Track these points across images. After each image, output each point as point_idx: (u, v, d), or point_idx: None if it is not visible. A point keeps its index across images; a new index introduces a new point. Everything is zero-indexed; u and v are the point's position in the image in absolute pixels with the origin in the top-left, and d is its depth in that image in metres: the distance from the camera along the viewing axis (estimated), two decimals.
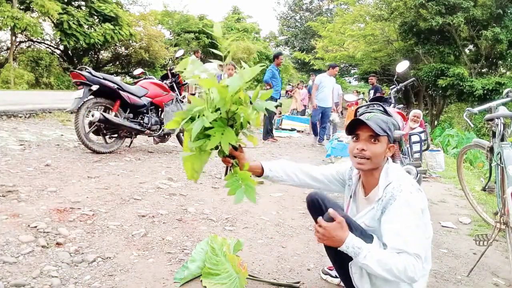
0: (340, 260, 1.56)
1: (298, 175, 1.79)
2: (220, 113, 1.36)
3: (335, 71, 7.71)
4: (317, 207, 1.80)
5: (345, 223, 1.41)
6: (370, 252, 1.35)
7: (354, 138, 1.59)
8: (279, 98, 7.88)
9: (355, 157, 1.57)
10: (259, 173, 1.73)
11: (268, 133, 7.66)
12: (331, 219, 1.41)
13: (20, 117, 5.69)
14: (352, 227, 1.48)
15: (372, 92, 8.96)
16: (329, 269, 2.01)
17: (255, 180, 1.60)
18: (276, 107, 8.64)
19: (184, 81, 5.92)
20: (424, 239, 1.40)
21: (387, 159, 1.60)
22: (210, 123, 1.35)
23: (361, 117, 1.58)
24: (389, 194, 1.48)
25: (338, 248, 1.40)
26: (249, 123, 1.45)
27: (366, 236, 1.52)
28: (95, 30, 17.13)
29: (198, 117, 1.37)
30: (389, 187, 1.50)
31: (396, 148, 3.45)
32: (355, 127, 1.58)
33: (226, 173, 1.60)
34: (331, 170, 1.83)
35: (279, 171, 1.76)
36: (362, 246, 1.37)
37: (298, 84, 16.58)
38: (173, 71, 5.29)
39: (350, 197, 1.73)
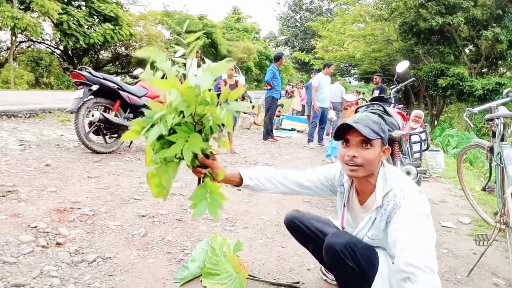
0: (339, 270, 1.53)
1: (282, 182, 1.63)
2: (184, 117, 1.17)
3: (331, 70, 7.65)
4: (297, 230, 1.77)
5: None
6: None
7: (344, 144, 1.45)
8: (279, 98, 7.88)
9: (347, 164, 1.43)
10: (238, 182, 1.55)
11: (268, 133, 7.67)
12: None
13: (20, 117, 5.69)
14: (354, 248, 1.43)
15: (377, 92, 8.78)
16: (327, 272, 2.01)
17: (233, 189, 1.49)
18: (277, 106, 8.64)
19: None
20: (431, 242, 1.30)
21: (382, 162, 1.47)
22: (174, 128, 1.17)
23: (349, 120, 1.44)
24: (392, 203, 1.38)
25: None
26: (219, 126, 1.26)
27: (370, 251, 1.47)
28: (95, 30, 17.13)
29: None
30: (390, 195, 1.40)
31: (396, 148, 3.47)
32: (344, 131, 1.43)
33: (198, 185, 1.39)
34: (318, 174, 1.68)
35: (260, 179, 1.59)
36: None
37: (297, 84, 16.58)
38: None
39: (344, 206, 1.62)
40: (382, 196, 1.42)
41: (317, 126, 7.79)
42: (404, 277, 1.25)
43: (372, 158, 1.40)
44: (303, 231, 1.74)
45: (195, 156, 1.27)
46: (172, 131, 1.18)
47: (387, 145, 1.45)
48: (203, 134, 1.24)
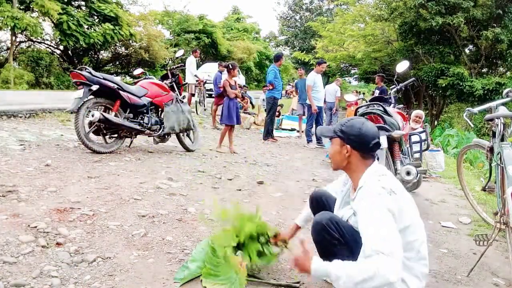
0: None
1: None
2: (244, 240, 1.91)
3: (321, 68, 7.52)
4: (320, 205, 1.95)
5: (309, 252, 1.45)
6: (337, 273, 1.35)
7: None
8: (280, 98, 7.88)
9: None
10: (298, 229, 2.10)
11: (268, 133, 7.66)
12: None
13: (20, 117, 5.69)
14: (339, 222, 1.62)
15: (377, 92, 8.73)
16: None
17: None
18: (278, 106, 8.65)
19: (184, 81, 5.91)
20: (390, 235, 1.37)
21: (373, 162, 1.65)
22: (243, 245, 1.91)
23: None
24: (359, 197, 1.55)
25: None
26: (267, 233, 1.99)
27: (354, 229, 1.60)
28: (95, 30, 17.10)
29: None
30: (359, 191, 1.58)
31: (396, 148, 3.46)
32: None
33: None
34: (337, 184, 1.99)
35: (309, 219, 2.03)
36: (328, 271, 1.38)
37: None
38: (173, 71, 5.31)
39: (342, 199, 1.82)
40: (356, 191, 1.62)
41: (314, 125, 7.71)
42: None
43: (332, 153, 1.72)
44: (323, 207, 1.91)
45: (268, 241, 2.02)
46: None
47: (348, 143, 1.63)
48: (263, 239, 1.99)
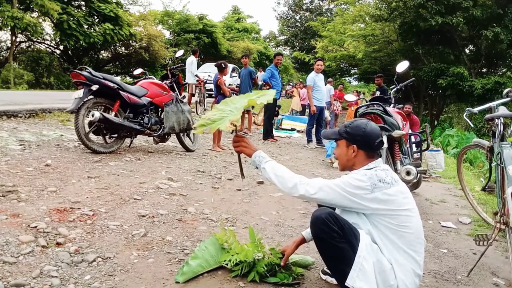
0: (336, 264, 1.68)
1: None
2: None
3: (317, 66, 7.36)
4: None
5: (244, 138, 1.95)
6: (271, 162, 1.86)
7: None
8: (278, 98, 7.86)
9: None
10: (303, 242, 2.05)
11: (268, 133, 7.65)
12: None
13: (20, 117, 5.69)
14: (337, 216, 1.66)
15: (378, 93, 8.70)
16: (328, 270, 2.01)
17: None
18: (277, 107, 8.64)
19: (184, 81, 5.91)
20: (334, 190, 1.66)
21: (377, 159, 1.77)
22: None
23: None
24: None
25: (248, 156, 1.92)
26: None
27: (350, 223, 1.67)
28: (95, 30, 17.11)
29: None
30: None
31: (396, 148, 3.47)
32: None
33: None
34: None
35: None
36: (266, 157, 1.87)
37: (297, 84, 16.56)
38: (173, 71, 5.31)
39: None
40: None
41: (314, 126, 7.68)
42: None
43: (338, 154, 1.84)
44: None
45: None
46: None
47: (354, 143, 1.75)
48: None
